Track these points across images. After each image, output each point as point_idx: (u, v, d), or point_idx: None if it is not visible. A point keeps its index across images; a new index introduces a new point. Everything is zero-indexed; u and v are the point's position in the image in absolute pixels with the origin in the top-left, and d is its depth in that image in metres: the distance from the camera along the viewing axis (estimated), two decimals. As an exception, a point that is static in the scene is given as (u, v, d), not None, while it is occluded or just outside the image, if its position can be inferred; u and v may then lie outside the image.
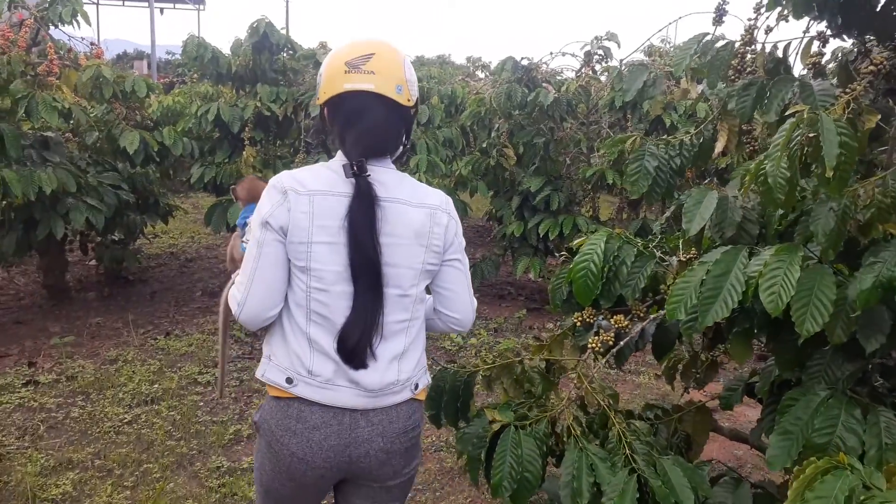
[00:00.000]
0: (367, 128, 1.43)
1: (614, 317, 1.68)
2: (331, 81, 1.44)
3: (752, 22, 1.69)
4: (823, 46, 1.62)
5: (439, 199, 1.51)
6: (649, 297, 1.73)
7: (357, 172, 1.40)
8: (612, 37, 5.17)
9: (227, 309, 1.63)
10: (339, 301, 1.41)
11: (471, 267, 2.64)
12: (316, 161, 4.60)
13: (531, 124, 5.10)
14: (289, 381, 1.43)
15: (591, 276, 1.65)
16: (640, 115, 4.73)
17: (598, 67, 5.27)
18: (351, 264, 1.39)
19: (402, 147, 1.55)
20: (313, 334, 1.42)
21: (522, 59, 4.99)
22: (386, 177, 1.46)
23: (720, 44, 1.75)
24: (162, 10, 22.18)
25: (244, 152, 4.76)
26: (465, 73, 13.42)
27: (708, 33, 1.78)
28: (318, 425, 1.43)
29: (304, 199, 1.39)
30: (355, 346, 1.41)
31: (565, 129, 5.00)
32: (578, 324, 1.76)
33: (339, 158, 1.46)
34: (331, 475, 1.47)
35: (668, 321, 1.62)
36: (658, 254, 1.70)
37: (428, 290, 1.56)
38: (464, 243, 1.57)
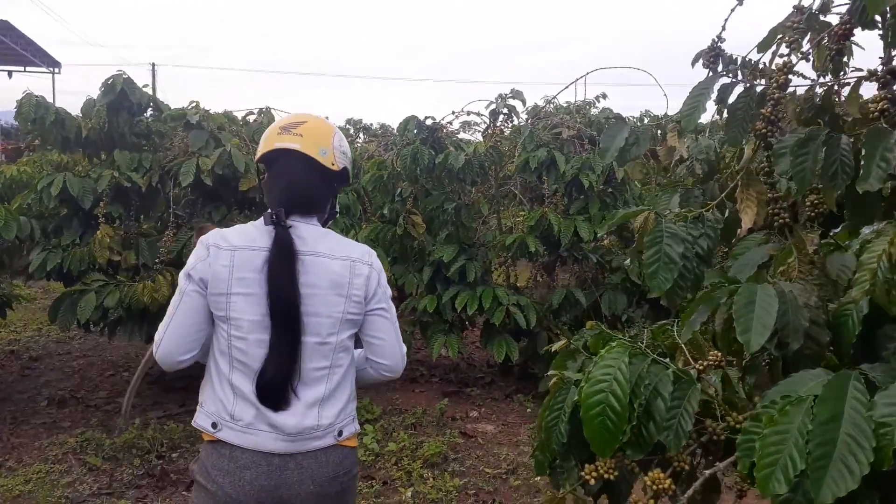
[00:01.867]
0: (291, 181, 1.58)
1: (649, 473, 1.17)
2: (266, 141, 1.62)
3: (785, 58, 1.30)
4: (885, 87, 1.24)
5: (360, 252, 1.61)
6: (692, 440, 1.24)
7: (275, 221, 1.53)
8: (516, 94, 4.89)
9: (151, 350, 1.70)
10: (257, 349, 1.51)
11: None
12: (189, 237, 3.97)
13: (437, 188, 4.69)
14: (214, 425, 1.53)
15: (611, 416, 1.16)
16: (556, 176, 4.41)
17: (503, 127, 4.97)
18: (270, 309, 1.49)
19: (328, 209, 1.69)
20: (235, 380, 1.52)
21: (426, 118, 4.59)
22: (308, 232, 1.57)
23: (739, 89, 1.36)
24: (10, 73, 20.39)
25: (98, 232, 3.97)
26: (346, 135, 13.10)
27: (723, 74, 1.39)
28: (248, 465, 1.50)
29: (225, 253, 1.52)
30: (270, 386, 1.50)
31: (473, 193, 4.60)
32: (591, 480, 1.24)
33: (266, 215, 1.57)
34: None
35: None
36: (680, 369, 1.23)
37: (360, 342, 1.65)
38: (389, 293, 1.65)
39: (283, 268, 1.50)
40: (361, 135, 14.36)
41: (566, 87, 4.83)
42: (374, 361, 1.65)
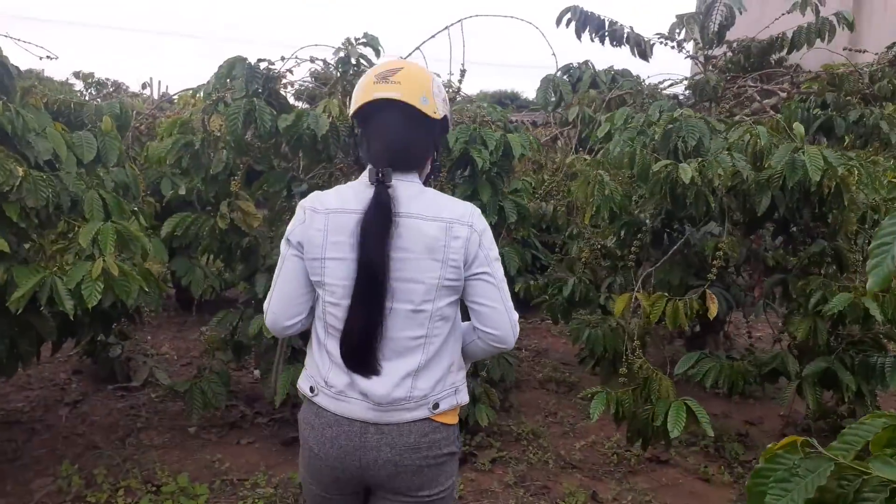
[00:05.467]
0: (391, 136, 1.55)
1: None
2: (361, 91, 1.58)
3: None
4: None
5: (459, 212, 1.55)
6: None
7: (380, 180, 1.51)
8: (370, 41, 3.78)
9: None
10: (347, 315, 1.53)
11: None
12: None
13: (264, 161, 3.47)
14: (312, 389, 1.60)
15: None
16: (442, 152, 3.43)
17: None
18: (357, 271, 1.50)
19: (430, 164, 1.67)
20: (330, 347, 1.57)
21: (259, 61, 3.31)
22: (404, 191, 1.54)
23: None
24: None
25: None
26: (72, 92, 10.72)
27: None
28: (332, 423, 1.56)
29: (320, 217, 1.54)
30: (353, 352, 1.53)
31: (335, 169, 3.45)
32: None
33: (363, 176, 1.58)
34: (345, 478, 1.58)
35: None
36: None
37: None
38: (495, 254, 1.59)
39: (375, 231, 1.49)
40: (93, 90, 11.97)
41: (434, 36, 3.76)
42: (481, 330, 1.61)
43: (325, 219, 1.53)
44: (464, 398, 1.64)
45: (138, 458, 3.38)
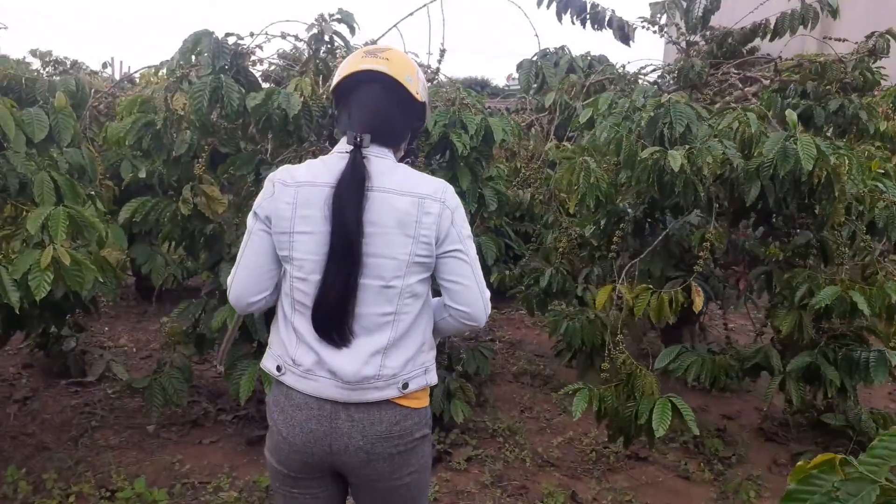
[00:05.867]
0: (372, 108, 1.56)
1: None
2: (347, 64, 1.59)
3: None
4: None
5: (432, 188, 1.53)
6: None
7: (357, 144, 1.50)
8: (345, 17, 3.58)
9: None
10: (316, 291, 1.50)
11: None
12: None
13: (230, 143, 3.29)
14: (278, 368, 1.57)
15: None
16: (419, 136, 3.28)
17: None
18: (330, 243, 1.48)
19: (405, 144, 1.68)
20: (297, 323, 1.54)
21: (227, 35, 3.12)
22: (378, 166, 1.52)
23: None
24: None
25: None
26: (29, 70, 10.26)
27: None
28: (301, 406, 1.53)
29: (290, 190, 1.51)
30: (324, 322, 1.50)
31: (304, 152, 3.27)
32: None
33: (336, 147, 1.58)
34: (314, 462, 1.56)
35: None
36: None
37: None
38: (467, 232, 1.58)
39: (349, 199, 1.47)
40: (50, 69, 11.46)
41: (412, 14, 3.61)
42: (453, 308, 1.59)
43: (295, 192, 1.51)
44: (433, 378, 1.62)
45: (92, 460, 3.18)
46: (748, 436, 3.76)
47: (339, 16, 3.49)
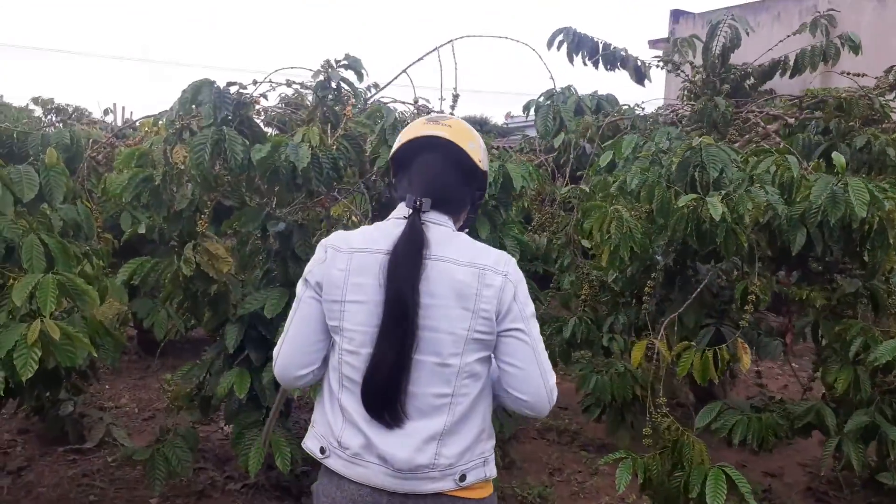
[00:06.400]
0: (433, 174, 1.49)
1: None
2: (409, 131, 1.55)
3: None
4: None
5: (494, 259, 1.46)
6: None
7: (417, 207, 1.42)
8: (352, 63, 3.40)
9: None
10: (366, 366, 1.40)
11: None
12: None
13: (234, 196, 3.09)
14: (322, 450, 1.45)
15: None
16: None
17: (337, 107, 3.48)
18: (384, 312, 1.38)
19: (465, 214, 1.60)
20: (344, 401, 1.42)
21: (229, 84, 2.94)
22: (438, 233, 1.45)
23: None
24: None
25: None
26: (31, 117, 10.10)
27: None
28: (355, 498, 1.40)
29: (343, 256, 1.44)
30: (373, 397, 1.38)
31: (313, 205, 3.07)
32: None
33: (393, 214, 1.50)
34: None
35: None
36: None
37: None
38: (531, 311, 1.46)
39: (405, 266, 1.38)
40: (52, 116, 11.31)
41: (422, 59, 3.44)
42: (510, 395, 1.45)
43: (349, 258, 1.44)
44: (492, 471, 1.48)
45: (89, 541, 2.91)
46: (797, 497, 3.48)
47: (346, 62, 3.31)
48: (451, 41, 3.59)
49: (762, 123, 4.38)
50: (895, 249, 2.68)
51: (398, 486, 1.38)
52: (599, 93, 4.95)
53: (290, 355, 1.48)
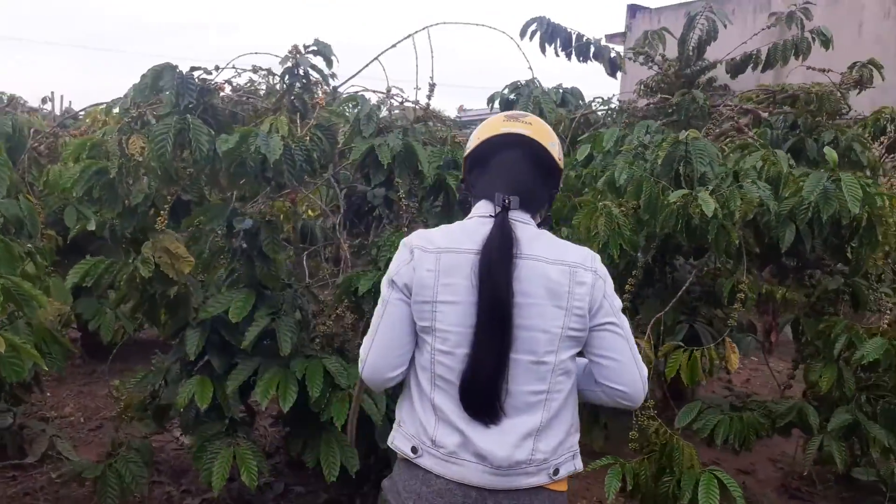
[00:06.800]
0: (515, 172, 1.51)
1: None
2: (487, 128, 1.55)
3: None
4: None
5: (582, 256, 1.48)
6: None
7: (506, 206, 1.43)
8: (322, 49, 3.21)
9: None
10: (462, 365, 1.40)
11: None
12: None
13: (201, 189, 2.89)
14: (414, 450, 1.45)
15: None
16: (412, 178, 2.94)
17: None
18: (477, 312, 1.38)
19: (544, 212, 1.61)
20: (437, 401, 1.43)
21: (193, 70, 2.72)
22: (525, 231, 1.46)
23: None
24: None
25: None
26: None
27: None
28: (443, 493, 1.41)
29: (430, 256, 1.43)
30: (474, 397, 1.39)
31: (281, 199, 2.89)
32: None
33: (475, 212, 1.51)
34: None
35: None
36: None
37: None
38: (619, 304, 1.50)
39: (499, 268, 1.39)
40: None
41: (395, 46, 3.28)
42: (608, 387, 1.49)
43: (436, 258, 1.43)
44: (580, 464, 1.52)
45: (35, 568, 2.67)
46: (773, 494, 3.46)
47: (315, 47, 3.11)
48: (426, 28, 3.44)
49: (735, 118, 4.37)
50: (883, 246, 2.65)
51: (495, 483, 1.39)
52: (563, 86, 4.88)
53: (381, 357, 1.47)
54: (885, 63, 4.51)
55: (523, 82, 4.77)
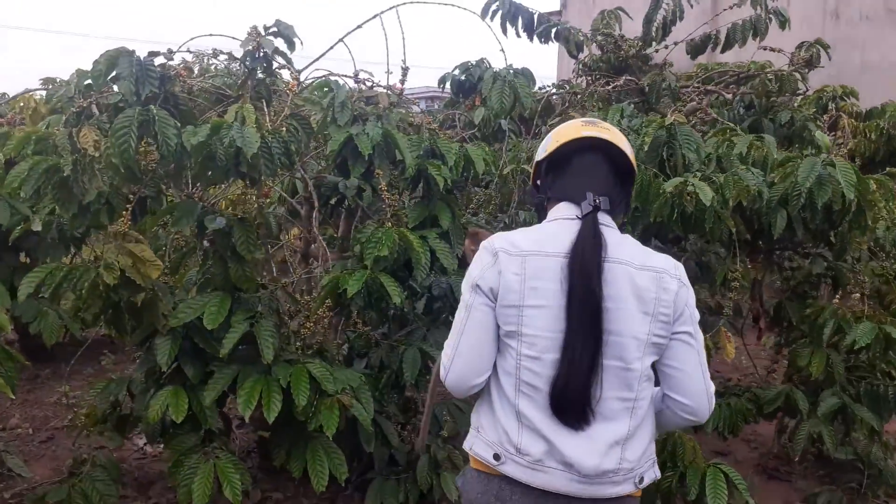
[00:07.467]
0: (602, 173, 1.50)
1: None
2: (566, 132, 1.53)
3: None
4: None
5: (667, 263, 1.46)
6: None
7: (596, 205, 1.42)
8: (282, 30, 2.98)
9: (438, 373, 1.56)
10: (551, 371, 1.38)
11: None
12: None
13: (158, 185, 2.66)
14: (496, 457, 1.42)
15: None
16: (390, 169, 2.79)
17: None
18: (567, 314, 1.36)
19: (623, 216, 1.59)
20: (522, 407, 1.40)
21: (150, 55, 2.47)
22: (610, 235, 1.43)
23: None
24: None
25: None
26: None
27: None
28: (527, 500, 1.39)
29: (515, 259, 1.41)
30: (564, 400, 1.37)
31: (251, 193, 2.68)
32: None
33: (556, 215, 1.49)
34: None
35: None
36: None
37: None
38: (698, 316, 1.48)
39: (590, 269, 1.37)
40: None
41: (360, 26, 3.11)
42: (672, 399, 1.46)
43: (522, 262, 1.40)
44: (658, 472, 1.51)
45: None
46: (752, 475, 3.49)
47: (275, 28, 2.89)
48: (393, 7, 3.25)
49: (696, 99, 4.35)
50: (871, 231, 2.66)
51: (582, 492, 1.38)
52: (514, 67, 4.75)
53: (468, 363, 1.44)
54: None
55: (473, 63, 4.64)
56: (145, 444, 3.57)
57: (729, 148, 2.87)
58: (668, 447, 2.48)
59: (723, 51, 4.52)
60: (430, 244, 2.72)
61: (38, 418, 4.12)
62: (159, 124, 2.24)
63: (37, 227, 3.15)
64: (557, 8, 13.83)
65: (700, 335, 1.47)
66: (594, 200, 1.42)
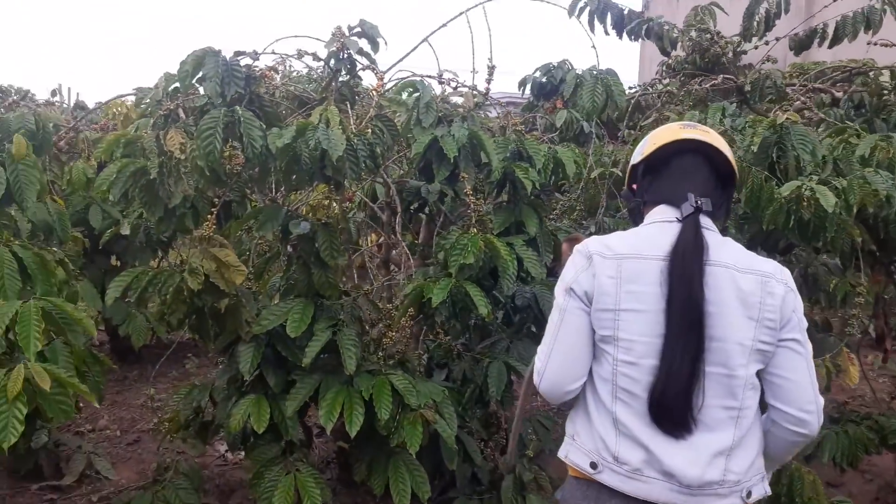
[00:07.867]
0: (703, 175, 1.46)
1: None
2: (664, 134, 1.50)
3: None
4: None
5: (772, 267, 1.40)
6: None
7: (698, 207, 1.38)
8: (367, 30, 2.89)
9: (531, 378, 1.53)
10: (649, 377, 1.34)
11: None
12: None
13: (242, 189, 2.61)
14: (593, 465, 1.38)
15: None
16: (477, 172, 2.65)
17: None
18: (666, 318, 1.32)
19: (722, 220, 1.57)
20: (619, 414, 1.37)
21: (237, 55, 2.43)
22: (712, 238, 1.39)
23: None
24: None
25: None
26: None
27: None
28: None
29: (611, 263, 1.38)
30: (664, 406, 1.32)
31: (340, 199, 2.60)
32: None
33: (654, 217, 1.45)
34: None
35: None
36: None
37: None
38: (805, 324, 1.41)
39: (692, 273, 1.32)
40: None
41: (445, 25, 2.98)
42: (780, 410, 1.38)
43: (618, 265, 1.37)
44: (768, 487, 1.43)
45: None
46: (868, 510, 3.18)
47: (359, 28, 2.81)
48: (480, 4, 3.13)
49: (801, 98, 4.04)
50: None
51: (684, 503, 1.33)
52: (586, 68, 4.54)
53: (563, 368, 1.41)
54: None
55: (555, 64, 4.46)
56: (226, 451, 3.55)
57: (847, 149, 2.61)
58: (783, 479, 2.24)
59: (830, 45, 4.19)
60: (518, 252, 2.58)
61: (125, 420, 4.19)
62: (245, 125, 2.19)
63: (125, 230, 3.19)
64: (639, 9, 13.48)
65: (809, 344, 1.39)
66: (696, 202, 1.38)
